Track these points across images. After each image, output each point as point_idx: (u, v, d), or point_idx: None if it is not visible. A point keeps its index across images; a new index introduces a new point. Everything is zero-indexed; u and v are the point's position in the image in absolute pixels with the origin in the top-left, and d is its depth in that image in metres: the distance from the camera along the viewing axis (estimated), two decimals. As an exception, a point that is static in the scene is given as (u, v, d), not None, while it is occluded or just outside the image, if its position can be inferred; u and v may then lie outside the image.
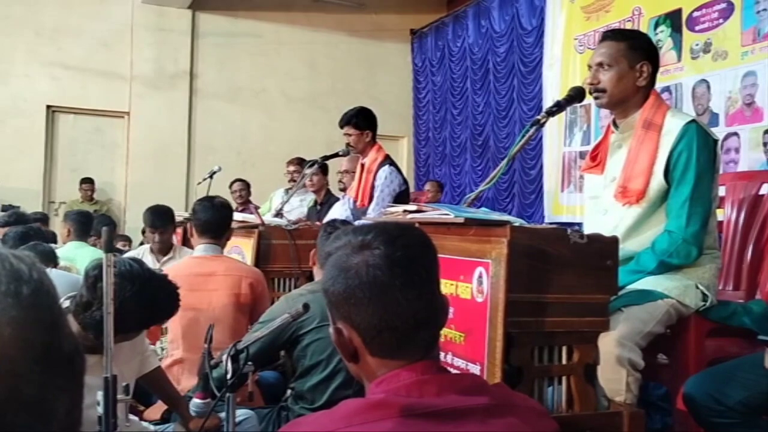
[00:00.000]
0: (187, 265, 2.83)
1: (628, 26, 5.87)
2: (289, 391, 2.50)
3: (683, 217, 2.01)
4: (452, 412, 0.97)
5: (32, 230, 3.56)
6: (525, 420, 1.03)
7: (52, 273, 2.64)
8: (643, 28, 5.67)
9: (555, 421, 1.14)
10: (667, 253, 2.02)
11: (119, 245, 6.12)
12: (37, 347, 0.51)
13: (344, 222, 2.79)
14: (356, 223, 0.93)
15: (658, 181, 2.07)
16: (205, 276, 2.72)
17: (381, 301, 1.00)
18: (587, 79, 2.21)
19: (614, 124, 2.26)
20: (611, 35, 2.24)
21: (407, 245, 1.04)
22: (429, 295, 1.04)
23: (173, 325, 2.62)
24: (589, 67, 2.23)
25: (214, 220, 2.88)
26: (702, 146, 2.04)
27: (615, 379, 1.76)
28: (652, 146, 2.09)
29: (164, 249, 3.99)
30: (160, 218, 3.92)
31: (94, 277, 1.75)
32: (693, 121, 2.08)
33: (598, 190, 2.27)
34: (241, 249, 3.52)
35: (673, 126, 2.08)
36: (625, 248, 2.04)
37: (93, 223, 4.39)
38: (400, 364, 1.01)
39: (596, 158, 2.30)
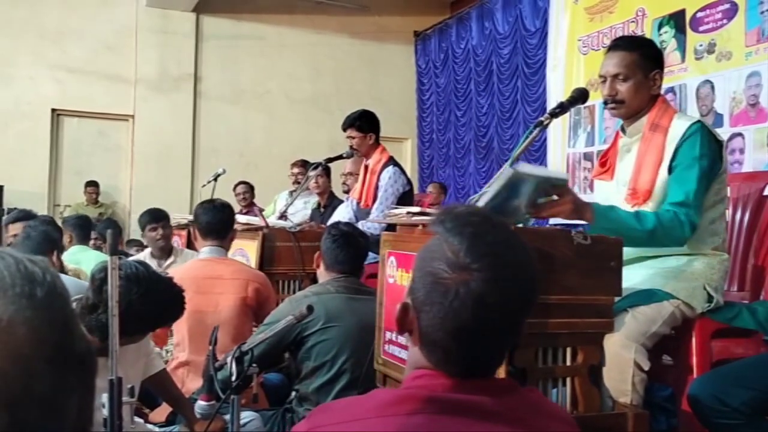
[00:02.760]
0: (193, 268, 2.85)
1: (632, 27, 5.87)
2: (293, 393, 2.51)
3: (692, 208, 1.98)
4: (483, 412, 0.96)
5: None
6: (554, 428, 1.03)
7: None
8: (647, 29, 5.67)
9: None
10: (668, 230, 1.94)
11: (134, 250, 6.12)
12: (50, 347, 0.53)
13: (348, 224, 2.78)
14: (483, 217, 0.83)
15: (662, 179, 2.07)
16: (213, 279, 2.74)
17: (450, 328, 0.96)
18: (603, 92, 2.19)
19: (622, 129, 2.27)
20: (622, 45, 2.23)
21: (507, 293, 0.95)
22: (501, 341, 0.99)
23: (179, 327, 2.63)
24: (602, 78, 2.20)
25: (217, 221, 2.89)
26: (706, 143, 2.03)
27: (621, 380, 1.76)
28: (659, 147, 2.09)
29: (165, 250, 3.99)
30: (157, 215, 4.00)
31: (100, 279, 1.76)
32: (699, 121, 2.09)
33: (609, 196, 2.26)
34: (245, 251, 3.52)
35: (679, 127, 2.09)
36: (631, 249, 2.03)
37: (92, 225, 4.41)
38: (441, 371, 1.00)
39: (605, 164, 2.30)
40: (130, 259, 3.18)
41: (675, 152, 2.06)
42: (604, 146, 2.37)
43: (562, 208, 1.74)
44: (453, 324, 0.95)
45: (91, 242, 4.39)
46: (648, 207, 2.08)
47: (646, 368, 1.79)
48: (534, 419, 1.01)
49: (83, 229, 4.19)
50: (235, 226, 3.07)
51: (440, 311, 0.95)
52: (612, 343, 1.75)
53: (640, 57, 2.16)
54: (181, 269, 2.90)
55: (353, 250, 2.51)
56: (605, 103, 2.21)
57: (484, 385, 0.99)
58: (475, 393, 0.98)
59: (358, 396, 1.04)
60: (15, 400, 0.50)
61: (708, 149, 2.04)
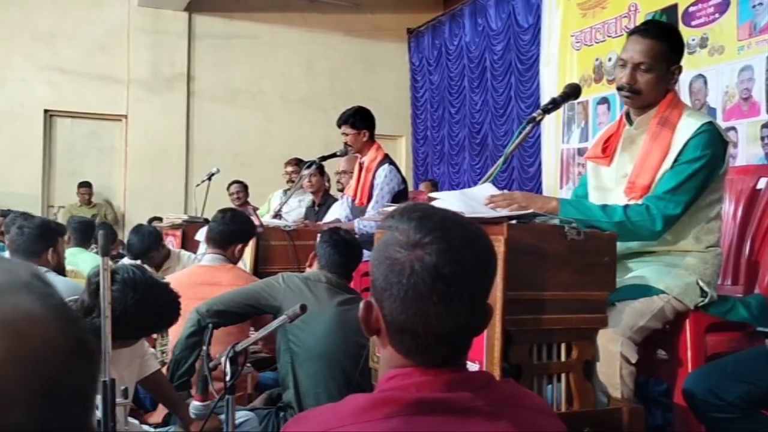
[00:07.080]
0: (192, 274, 2.89)
1: (624, 22, 5.87)
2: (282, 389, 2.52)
3: (671, 201, 1.97)
4: (460, 409, 0.96)
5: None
6: (532, 419, 1.02)
7: (54, 279, 2.64)
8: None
9: (563, 422, 1.13)
10: (635, 224, 1.94)
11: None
12: (75, 340, 0.53)
13: (347, 232, 2.80)
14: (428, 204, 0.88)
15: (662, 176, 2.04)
16: (211, 285, 2.76)
17: (412, 308, 0.96)
18: (621, 77, 2.09)
19: (627, 117, 2.20)
20: (652, 32, 2.10)
21: (461, 261, 0.96)
22: (464, 315, 0.97)
23: (176, 330, 2.62)
24: (622, 61, 2.10)
25: (219, 231, 2.96)
26: (710, 143, 2.00)
27: (609, 373, 1.76)
28: (665, 144, 2.05)
29: (158, 264, 3.88)
30: (140, 242, 3.80)
31: (96, 283, 1.75)
32: (710, 122, 2.04)
33: (605, 182, 2.23)
34: (240, 251, 3.51)
35: (688, 125, 2.03)
36: (627, 243, 2.02)
37: (94, 230, 4.38)
38: (414, 364, 0.99)
39: (607, 150, 2.22)
40: (127, 262, 3.18)
41: (680, 152, 2.01)
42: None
43: (514, 196, 1.86)
44: (414, 302, 0.95)
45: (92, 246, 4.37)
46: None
47: (634, 361, 1.79)
48: (512, 413, 1.00)
49: (84, 233, 4.17)
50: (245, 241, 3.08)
51: (399, 291, 0.96)
52: (599, 337, 1.75)
53: (668, 49, 2.08)
54: (180, 275, 2.93)
55: (350, 256, 2.61)
56: (619, 89, 2.11)
57: (459, 380, 0.99)
58: (451, 390, 0.97)
59: (333, 403, 1.03)
60: (55, 393, 0.50)
61: (711, 149, 2.00)
